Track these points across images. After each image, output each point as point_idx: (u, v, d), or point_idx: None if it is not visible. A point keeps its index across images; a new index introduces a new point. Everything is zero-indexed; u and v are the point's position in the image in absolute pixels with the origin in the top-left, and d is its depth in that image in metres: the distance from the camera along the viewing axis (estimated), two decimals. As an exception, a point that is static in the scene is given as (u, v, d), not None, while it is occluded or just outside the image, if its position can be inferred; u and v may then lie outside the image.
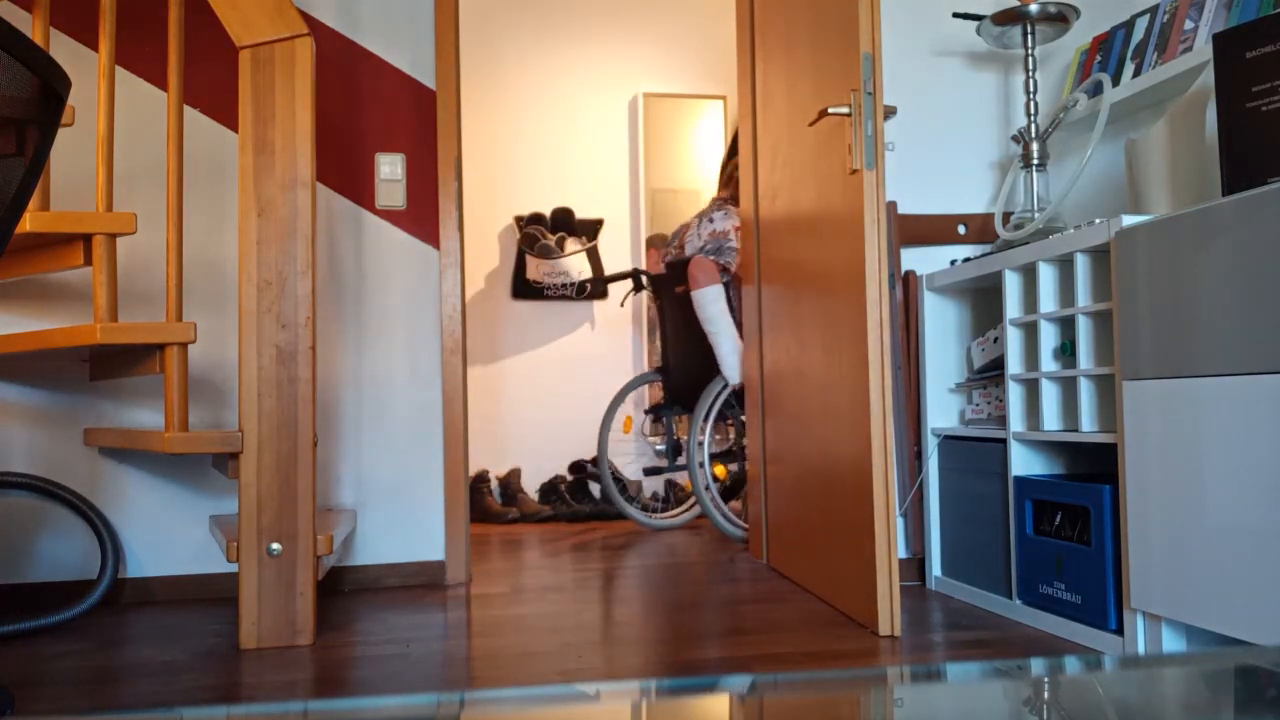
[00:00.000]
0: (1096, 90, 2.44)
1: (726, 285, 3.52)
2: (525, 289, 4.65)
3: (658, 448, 4.24)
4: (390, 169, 2.83)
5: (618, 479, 4.27)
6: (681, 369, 3.71)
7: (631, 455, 4.72)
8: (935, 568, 2.61)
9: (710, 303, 3.45)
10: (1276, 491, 1.53)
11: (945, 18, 2.85)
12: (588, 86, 4.83)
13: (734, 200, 3.72)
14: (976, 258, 2.40)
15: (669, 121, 4.86)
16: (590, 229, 4.73)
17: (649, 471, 3.98)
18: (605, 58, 4.86)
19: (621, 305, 4.73)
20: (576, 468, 4.43)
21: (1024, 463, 2.24)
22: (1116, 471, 2.22)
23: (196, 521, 2.69)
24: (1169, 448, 1.75)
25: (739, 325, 3.48)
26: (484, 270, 4.70)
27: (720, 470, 3.81)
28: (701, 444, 3.54)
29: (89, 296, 2.65)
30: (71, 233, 2.12)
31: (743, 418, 3.63)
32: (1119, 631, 1.93)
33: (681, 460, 3.93)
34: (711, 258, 3.49)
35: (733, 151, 4.32)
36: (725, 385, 3.54)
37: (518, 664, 1.94)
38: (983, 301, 2.67)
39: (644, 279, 3.97)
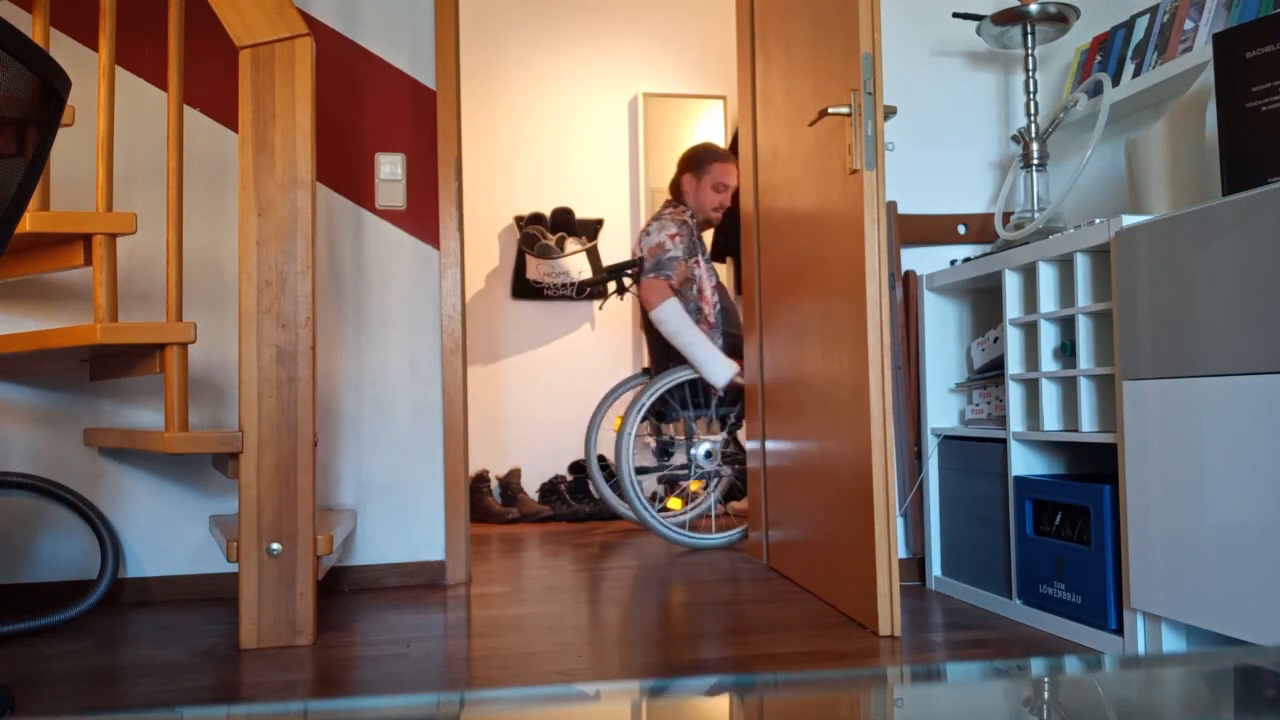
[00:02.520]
0: (1096, 90, 2.44)
1: (677, 292, 3.49)
2: (525, 289, 4.65)
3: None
4: (390, 169, 2.83)
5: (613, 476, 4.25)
6: (658, 370, 3.69)
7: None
8: (935, 568, 2.61)
9: (668, 319, 3.42)
10: (1276, 491, 1.53)
11: (945, 18, 2.85)
12: (588, 86, 4.83)
13: (678, 201, 3.69)
14: (976, 258, 2.40)
15: (669, 121, 4.86)
16: (590, 229, 4.73)
17: (638, 471, 3.95)
18: (605, 58, 4.86)
19: (599, 308, 4.70)
20: (577, 468, 4.43)
21: (1024, 463, 2.24)
22: (1116, 471, 2.22)
23: (196, 521, 2.69)
24: (1169, 447, 1.75)
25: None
26: (484, 270, 4.70)
27: (676, 504, 3.78)
28: (629, 442, 3.46)
29: (89, 296, 2.65)
30: (71, 233, 2.12)
31: (699, 416, 3.58)
32: (1119, 631, 1.93)
33: (674, 461, 3.90)
34: (657, 275, 3.46)
35: (732, 152, 4.32)
36: (662, 384, 3.49)
37: (517, 664, 1.94)
38: (983, 301, 2.67)
39: (624, 280, 3.94)
